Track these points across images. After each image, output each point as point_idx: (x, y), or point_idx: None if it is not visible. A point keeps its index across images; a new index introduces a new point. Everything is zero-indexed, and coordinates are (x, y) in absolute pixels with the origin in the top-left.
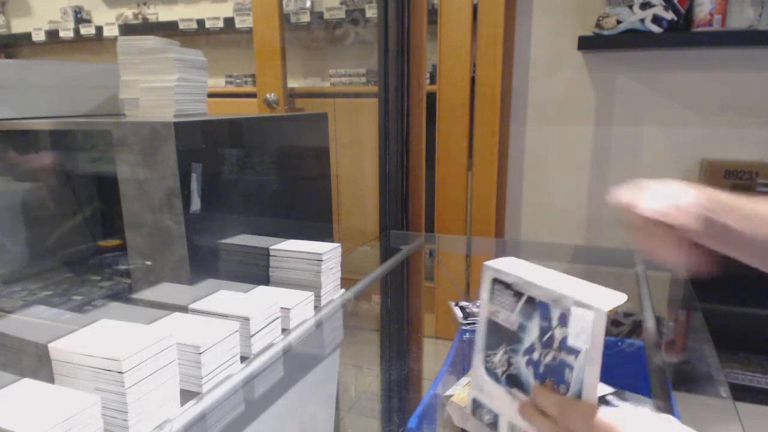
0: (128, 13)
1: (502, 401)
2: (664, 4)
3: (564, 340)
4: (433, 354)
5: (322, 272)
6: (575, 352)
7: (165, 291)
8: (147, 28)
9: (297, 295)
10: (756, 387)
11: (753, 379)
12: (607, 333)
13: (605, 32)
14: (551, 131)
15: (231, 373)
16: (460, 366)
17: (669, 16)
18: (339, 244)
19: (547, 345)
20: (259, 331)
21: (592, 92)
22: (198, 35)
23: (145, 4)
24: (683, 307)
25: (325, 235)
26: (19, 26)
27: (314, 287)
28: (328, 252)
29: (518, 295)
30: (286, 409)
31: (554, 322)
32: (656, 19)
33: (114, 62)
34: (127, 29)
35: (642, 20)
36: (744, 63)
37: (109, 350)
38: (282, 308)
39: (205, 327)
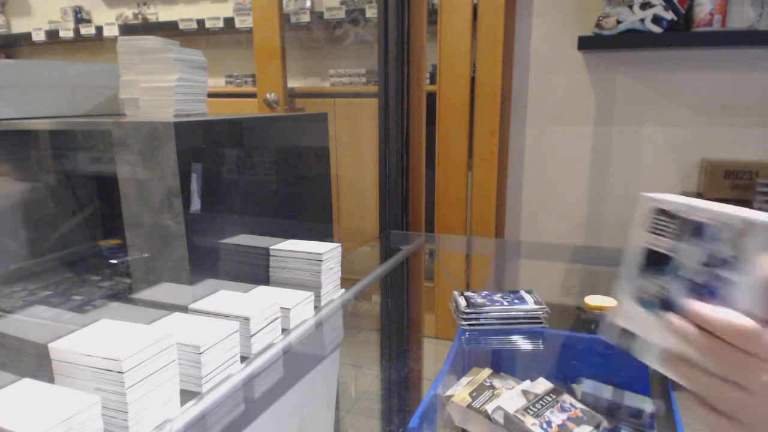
0: (128, 13)
1: (656, 330)
2: (664, 4)
3: (727, 258)
4: (433, 354)
5: (322, 272)
6: (736, 268)
7: (165, 291)
8: (147, 28)
9: (297, 295)
10: None
11: None
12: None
13: (605, 32)
14: (551, 131)
15: (231, 373)
16: (460, 366)
17: (669, 16)
18: (339, 244)
19: (708, 265)
20: (259, 331)
21: (592, 92)
22: (198, 35)
23: (145, 4)
24: None
25: (325, 235)
26: (19, 26)
27: (314, 287)
28: (328, 252)
29: (682, 221)
30: (286, 409)
31: (719, 243)
32: (656, 19)
33: (114, 62)
34: (127, 29)
35: (642, 20)
36: (744, 63)
37: (109, 350)
38: (282, 308)
39: (205, 327)
